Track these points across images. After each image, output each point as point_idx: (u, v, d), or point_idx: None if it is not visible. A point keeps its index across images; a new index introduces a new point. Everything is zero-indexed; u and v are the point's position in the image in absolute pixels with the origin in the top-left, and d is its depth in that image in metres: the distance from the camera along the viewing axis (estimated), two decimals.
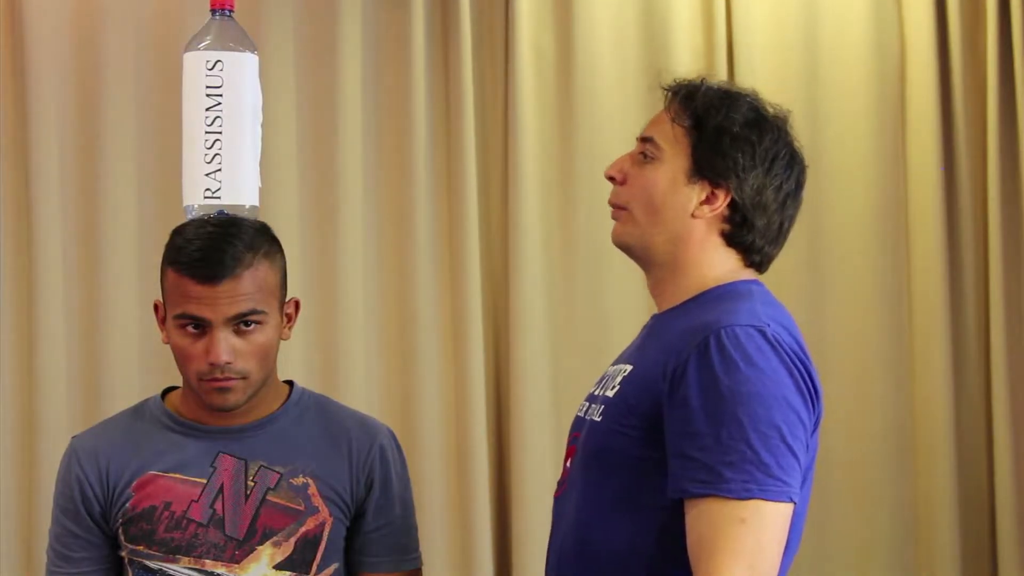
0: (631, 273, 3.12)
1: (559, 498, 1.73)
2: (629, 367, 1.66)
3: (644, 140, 1.71)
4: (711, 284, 1.67)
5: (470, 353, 3.02)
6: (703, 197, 1.66)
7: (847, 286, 3.20)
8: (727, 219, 1.66)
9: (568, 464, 1.73)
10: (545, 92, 3.12)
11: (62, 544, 1.87)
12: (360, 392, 2.96)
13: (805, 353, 1.59)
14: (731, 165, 1.65)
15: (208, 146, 1.81)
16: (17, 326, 2.88)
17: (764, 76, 3.17)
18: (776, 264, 3.15)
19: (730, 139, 1.65)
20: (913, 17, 3.20)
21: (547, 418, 3.05)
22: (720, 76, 3.14)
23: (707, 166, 1.65)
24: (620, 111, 3.13)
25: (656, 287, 1.73)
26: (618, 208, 1.72)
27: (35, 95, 2.89)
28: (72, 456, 1.88)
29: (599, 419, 1.65)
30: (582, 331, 3.10)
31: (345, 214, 3.01)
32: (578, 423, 1.74)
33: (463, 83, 3.04)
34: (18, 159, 2.90)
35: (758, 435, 1.49)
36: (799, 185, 1.70)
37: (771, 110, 1.70)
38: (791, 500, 1.51)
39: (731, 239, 1.67)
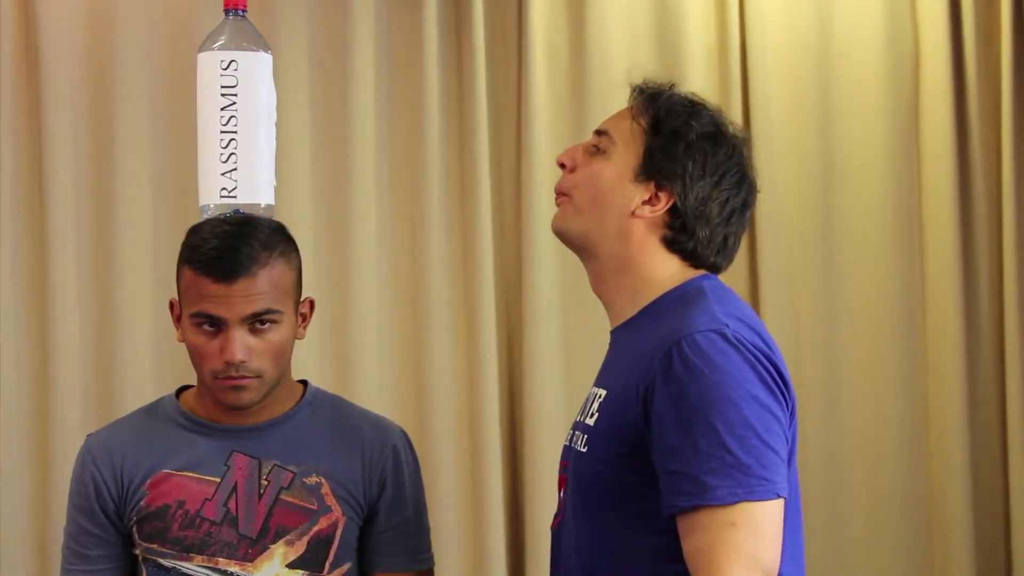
0: None
1: (556, 529, 1.74)
2: (604, 392, 1.66)
3: (599, 133, 1.73)
4: (660, 289, 1.67)
5: (483, 353, 3.02)
6: (646, 197, 1.67)
7: (860, 286, 3.19)
8: (668, 224, 1.67)
9: (562, 494, 1.73)
10: (558, 91, 3.12)
11: (77, 542, 1.88)
12: (373, 392, 2.96)
13: (770, 346, 1.60)
14: (679, 171, 1.66)
15: (224, 145, 1.82)
16: (32, 325, 2.89)
17: (777, 75, 3.17)
18: (790, 263, 3.19)
19: (684, 145, 1.66)
20: (927, 16, 3.19)
21: (561, 418, 3.04)
22: (733, 75, 3.14)
23: (655, 167, 1.66)
24: None
25: (600, 286, 1.73)
26: (560, 194, 1.74)
27: (48, 95, 2.89)
28: (87, 454, 1.88)
29: (584, 449, 1.65)
30: (596, 331, 3.07)
31: (359, 214, 3.01)
32: (566, 453, 1.73)
33: (476, 82, 3.04)
34: (32, 159, 2.90)
35: (735, 438, 1.50)
36: (746, 204, 1.70)
37: (731, 128, 1.71)
38: (779, 496, 1.51)
39: (671, 244, 1.67)
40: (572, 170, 1.73)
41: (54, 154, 2.88)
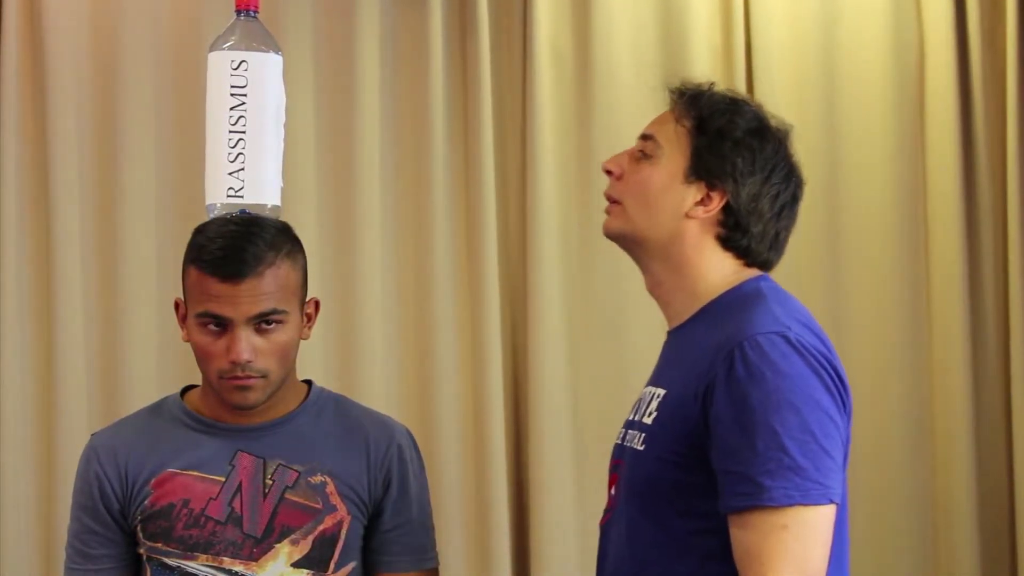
0: None
1: (605, 525, 1.74)
2: (663, 391, 1.67)
3: (645, 138, 1.73)
4: (717, 290, 1.67)
5: (488, 352, 3.01)
6: (698, 198, 1.67)
7: (865, 284, 3.19)
8: (722, 223, 1.67)
9: (612, 492, 1.73)
10: (563, 92, 3.12)
11: (81, 541, 1.88)
12: (378, 391, 2.96)
13: (829, 349, 1.60)
14: (729, 169, 1.66)
15: (232, 145, 1.82)
16: (36, 325, 2.89)
17: (782, 75, 3.17)
18: (796, 261, 3.18)
19: (731, 143, 1.67)
20: (932, 15, 3.18)
21: (565, 417, 3.05)
22: (738, 75, 3.14)
23: (705, 168, 1.67)
24: (637, 111, 3.12)
25: (656, 288, 1.73)
26: (612, 202, 1.74)
27: (54, 95, 2.89)
28: (91, 453, 1.88)
29: (642, 448, 1.65)
30: (600, 330, 3.10)
31: (363, 214, 3.01)
32: (619, 451, 1.74)
33: (481, 82, 3.04)
34: (37, 158, 2.90)
35: (793, 441, 1.50)
36: (795, 198, 1.72)
37: (774, 122, 1.72)
38: (832, 501, 1.52)
39: (726, 243, 1.68)
40: (620, 177, 1.74)
41: (59, 153, 2.88)
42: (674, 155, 1.69)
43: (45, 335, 2.88)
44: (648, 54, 3.15)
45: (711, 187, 1.67)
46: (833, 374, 1.57)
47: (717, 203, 1.67)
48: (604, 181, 3.15)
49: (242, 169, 1.82)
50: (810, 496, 1.49)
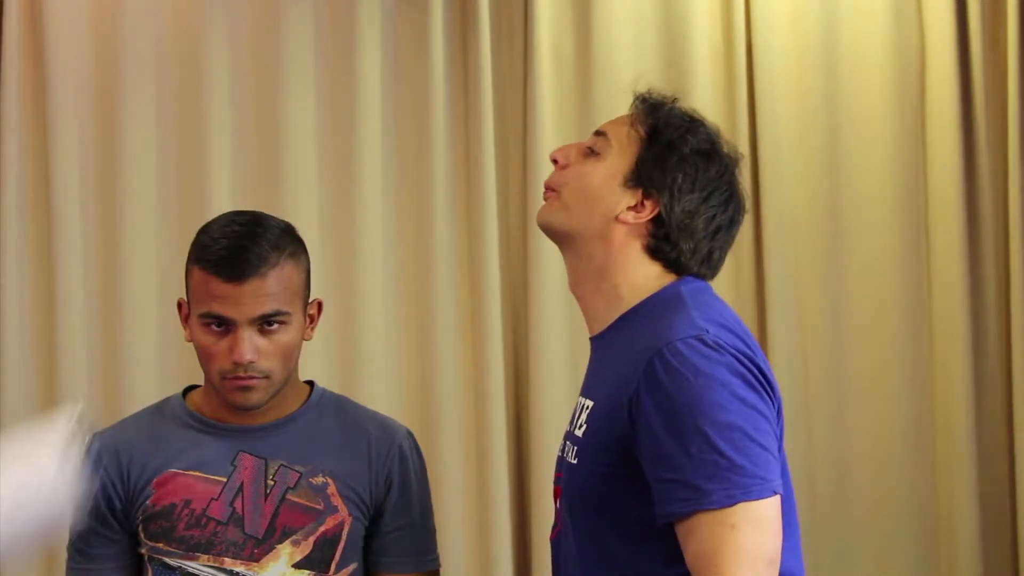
0: None
1: (555, 540, 1.75)
2: (591, 403, 1.68)
3: (598, 134, 1.76)
4: (637, 296, 1.69)
5: (489, 353, 3.01)
6: (632, 203, 1.69)
7: (867, 287, 3.19)
8: (651, 233, 1.69)
9: (558, 505, 1.75)
10: (564, 92, 3.11)
11: (83, 541, 1.88)
12: (380, 392, 2.96)
13: (751, 347, 1.61)
14: (669, 182, 1.68)
15: None
16: (38, 326, 2.88)
17: (784, 76, 3.17)
18: (796, 261, 3.18)
19: (677, 158, 1.69)
20: (933, 15, 3.18)
21: (566, 417, 3.03)
22: (739, 75, 3.14)
23: (645, 176, 1.69)
24: None
25: (577, 287, 1.75)
26: (549, 189, 1.77)
27: (55, 96, 2.88)
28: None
29: (575, 461, 1.67)
30: None
31: (365, 215, 3.00)
32: (560, 463, 1.75)
33: (482, 83, 3.04)
34: (38, 162, 2.90)
35: (725, 441, 1.51)
36: (733, 222, 1.73)
37: (726, 148, 1.74)
38: (775, 492, 1.53)
39: (653, 252, 1.70)
40: (564, 167, 1.76)
41: (60, 154, 2.88)
42: (620, 157, 1.71)
43: (46, 335, 2.88)
44: (648, 54, 3.14)
45: (647, 195, 1.69)
46: (755, 370, 1.58)
47: (648, 212, 1.68)
48: None
49: None
50: (752, 492, 1.50)
